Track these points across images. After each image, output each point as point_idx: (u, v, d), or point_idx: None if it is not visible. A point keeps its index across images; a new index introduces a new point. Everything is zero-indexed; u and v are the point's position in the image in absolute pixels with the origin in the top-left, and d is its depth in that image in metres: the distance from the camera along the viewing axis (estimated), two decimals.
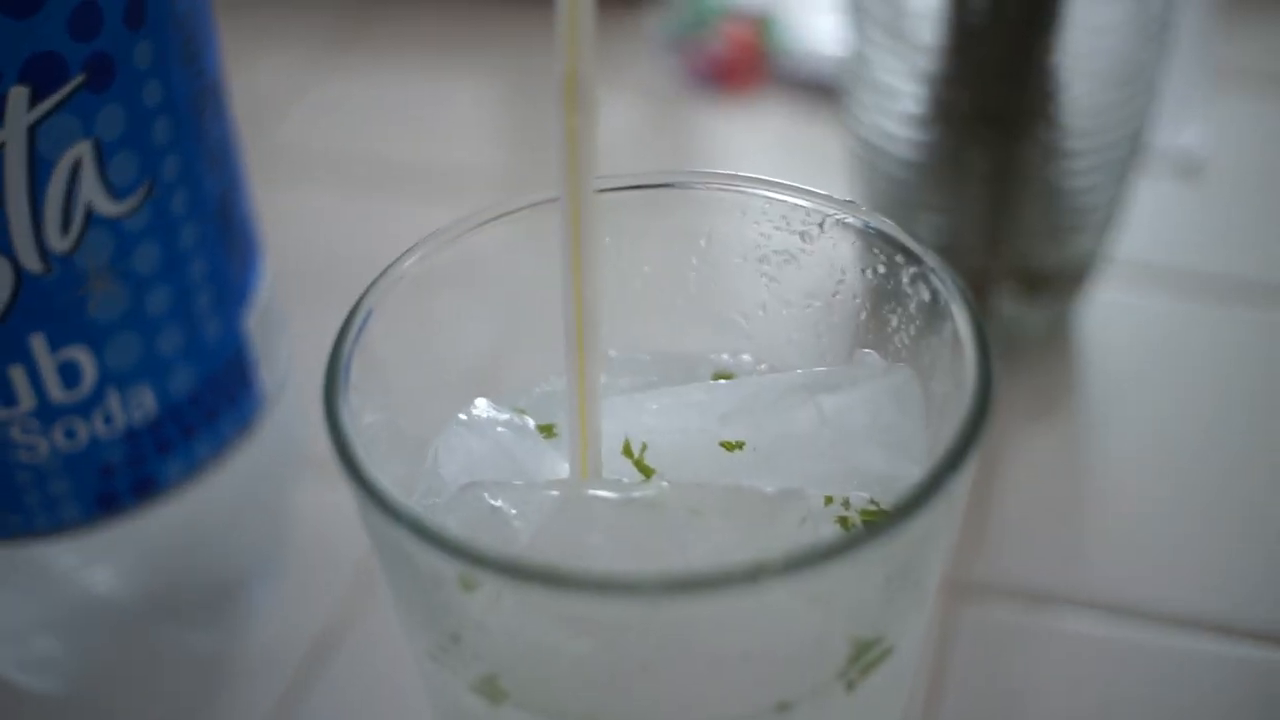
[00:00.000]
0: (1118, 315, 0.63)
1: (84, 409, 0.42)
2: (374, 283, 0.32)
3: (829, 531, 0.30)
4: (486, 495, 0.30)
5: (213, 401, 0.45)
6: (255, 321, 0.47)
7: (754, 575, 0.26)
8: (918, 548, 0.29)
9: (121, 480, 0.44)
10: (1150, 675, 0.49)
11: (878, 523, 0.27)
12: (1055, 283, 0.59)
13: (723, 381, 0.34)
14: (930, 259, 0.32)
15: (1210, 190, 0.70)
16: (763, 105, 0.78)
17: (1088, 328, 0.62)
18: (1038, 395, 0.60)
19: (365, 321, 0.32)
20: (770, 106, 0.78)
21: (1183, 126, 0.72)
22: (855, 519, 0.30)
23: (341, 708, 0.50)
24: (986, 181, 0.55)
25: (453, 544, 0.27)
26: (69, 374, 0.42)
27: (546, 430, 0.34)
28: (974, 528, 0.54)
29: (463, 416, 0.34)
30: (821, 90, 0.76)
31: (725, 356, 0.36)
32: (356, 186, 0.73)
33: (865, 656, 0.30)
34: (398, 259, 0.33)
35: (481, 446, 0.33)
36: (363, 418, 0.31)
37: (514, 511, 0.30)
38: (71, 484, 0.43)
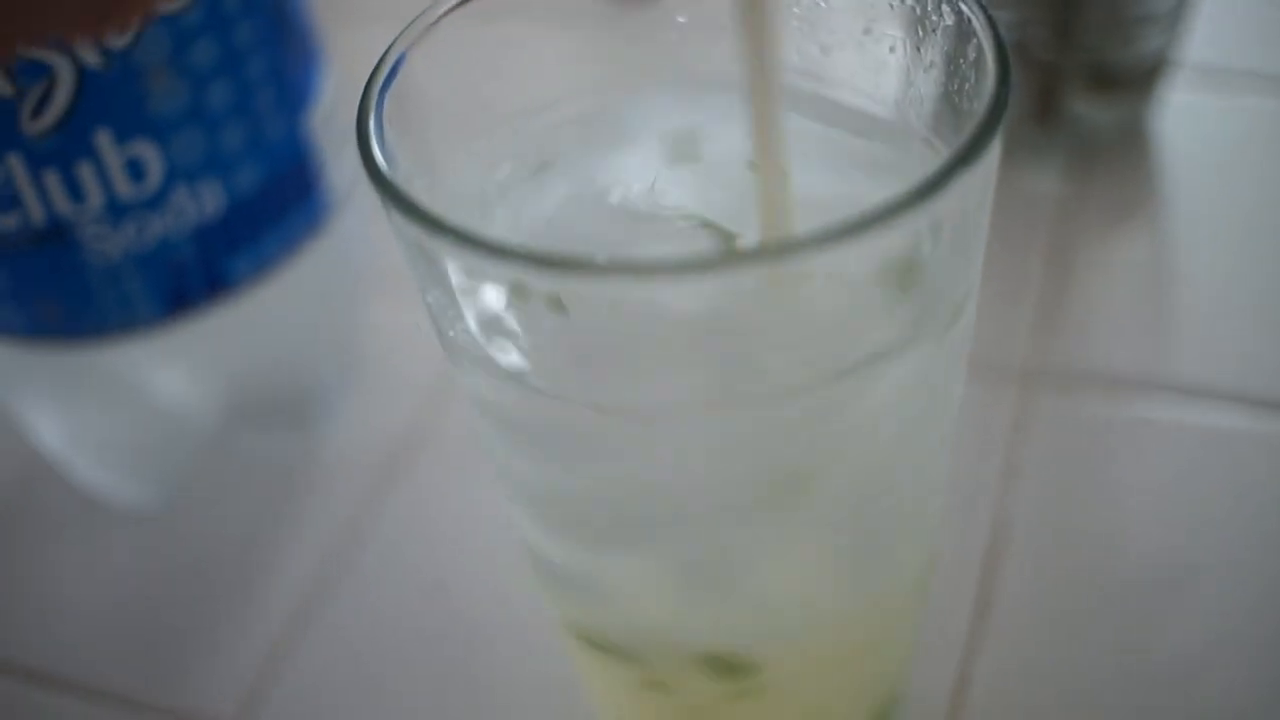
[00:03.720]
0: (1194, 118, 0.62)
1: (153, 204, 0.44)
2: (409, 25, 0.33)
3: None
4: None
5: (279, 200, 0.46)
6: (319, 124, 0.48)
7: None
8: (941, 233, 0.29)
9: (193, 277, 0.45)
10: (1231, 458, 0.49)
11: (901, 197, 0.27)
12: (1126, 81, 0.58)
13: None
14: None
15: None
16: None
17: (1163, 130, 0.61)
18: (1114, 196, 0.59)
19: (399, 64, 0.32)
20: None
21: None
22: None
23: (420, 513, 0.51)
24: None
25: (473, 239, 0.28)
26: (135, 170, 0.43)
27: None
28: (1048, 319, 0.54)
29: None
30: None
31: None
32: None
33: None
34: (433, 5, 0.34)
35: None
36: (398, 161, 0.31)
37: None
38: (144, 281, 0.45)
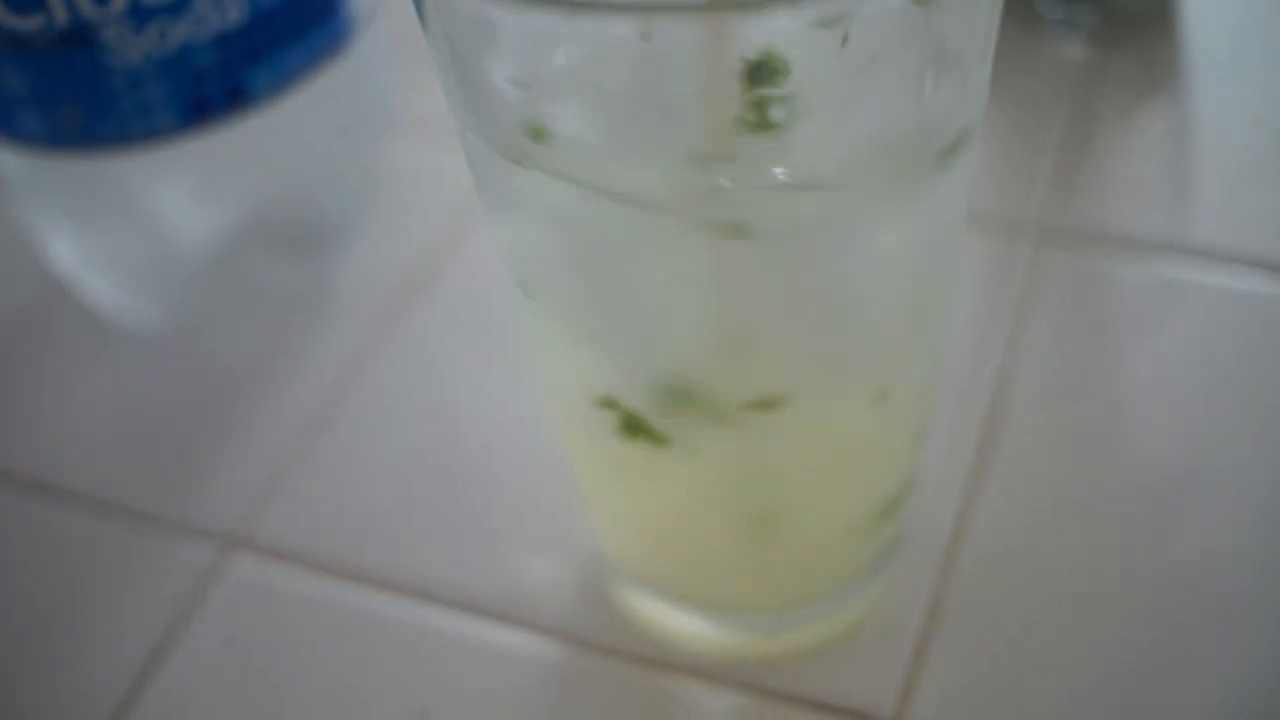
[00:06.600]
0: None
1: (175, 10, 0.43)
2: None
3: None
4: None
5: (302, 15, 0.46)
6: None
7: None
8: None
9: (213, 86, 0.45)
10: (1247, 322, 0.49)
11: None
12: None
13: None
14: None
15: None
16: None
17: (1193, 4, 0.61)
18: (1139, 66, 0.59)
19: None
20: None
21: None
22: None
23: (426, 344, 0.52)
24: None
25: None
26: None
27: None
28: (1066, 180, 0.54)
29: None
30: None
31: None
32: None
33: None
34: None
35: None
36: None
37: None
38: (164, 89, 0.45)
